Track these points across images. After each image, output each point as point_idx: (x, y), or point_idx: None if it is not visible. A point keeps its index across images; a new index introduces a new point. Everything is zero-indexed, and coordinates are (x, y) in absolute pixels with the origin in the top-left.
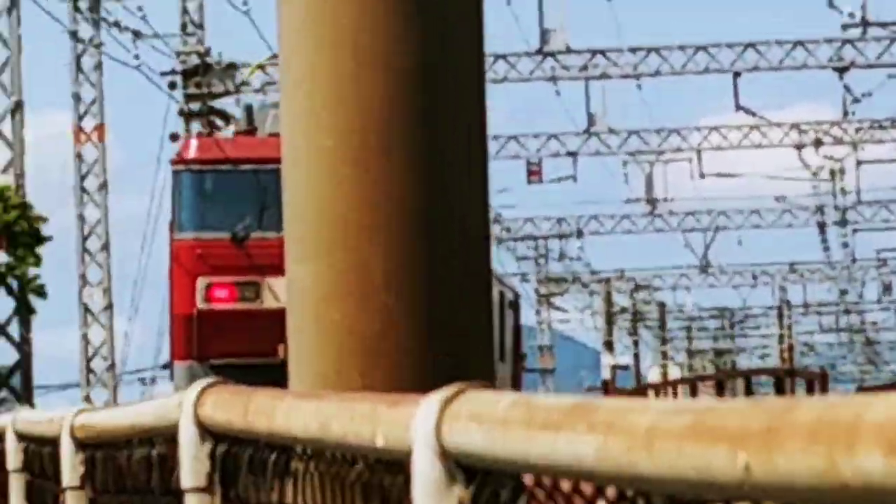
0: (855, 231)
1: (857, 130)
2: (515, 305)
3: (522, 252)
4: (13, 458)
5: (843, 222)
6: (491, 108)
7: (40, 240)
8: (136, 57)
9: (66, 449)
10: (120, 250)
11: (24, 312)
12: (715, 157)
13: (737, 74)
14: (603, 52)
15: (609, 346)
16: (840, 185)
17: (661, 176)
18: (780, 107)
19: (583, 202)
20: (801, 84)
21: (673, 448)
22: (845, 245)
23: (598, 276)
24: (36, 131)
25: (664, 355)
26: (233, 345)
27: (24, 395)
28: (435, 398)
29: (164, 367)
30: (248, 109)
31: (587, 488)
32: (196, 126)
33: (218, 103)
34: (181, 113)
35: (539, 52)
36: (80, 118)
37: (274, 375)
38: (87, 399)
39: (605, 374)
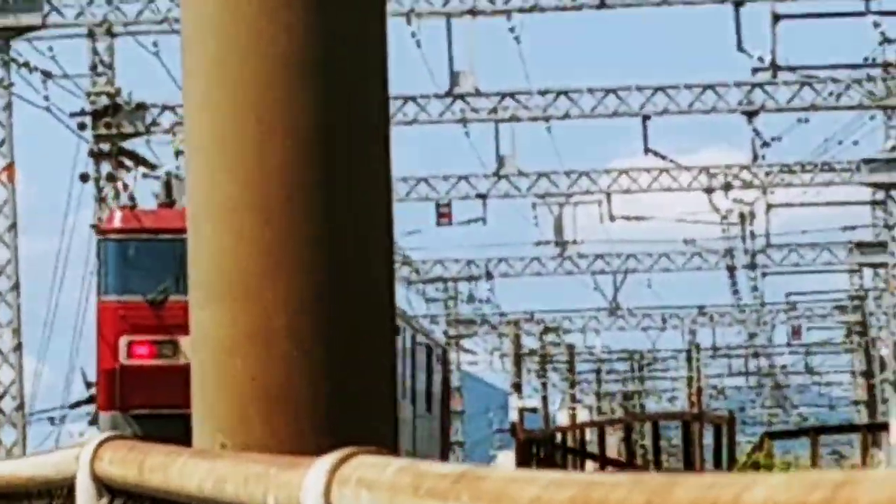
0: (764, 275)
1: (767, 174)
2: (444, 360)
3: (432, 294)
4: None
5: (752, 266)
6: (400, 150)
7: None
8: (46, 98)
9: None
10: (31, 287)
11: None
12: (624, 199)
13: (646, 118)
14: (512, 95)
15: (517, 387)
16: (750, 229)
17: (570, 218)
18: (690, 150)
19: (492, 244)
20: (711, 127)
21: None
22: (755, 289)
23: (508, 318)
24: None
25: (573, 398)
26: (152, 397)
27: None
28: (325, 462)
29: (73, 406)
30: (167, 183)
31: None
32: (106, 167)
33: (128, 144)
34: (91, 153)
35: (449, 94)
36: None
37: (189, 425)
38: None
39: (514, 416)
